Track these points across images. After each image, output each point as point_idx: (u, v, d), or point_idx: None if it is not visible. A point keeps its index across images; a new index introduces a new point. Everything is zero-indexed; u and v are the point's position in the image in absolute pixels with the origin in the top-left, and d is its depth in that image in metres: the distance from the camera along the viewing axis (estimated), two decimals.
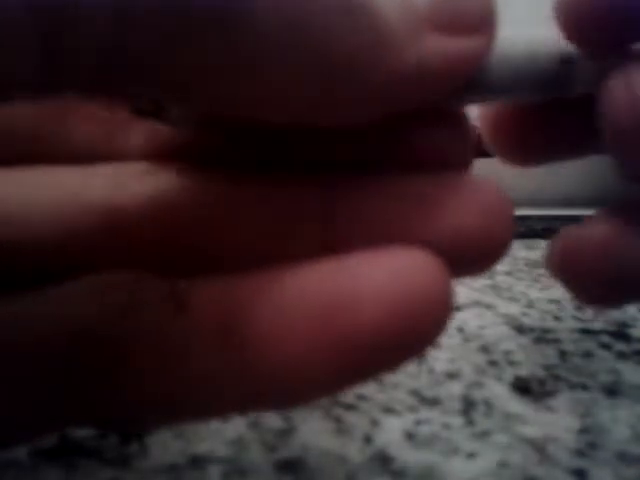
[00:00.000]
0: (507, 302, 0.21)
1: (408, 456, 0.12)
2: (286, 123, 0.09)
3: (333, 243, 0.09)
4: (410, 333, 0.08)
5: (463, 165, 0.10)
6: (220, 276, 0.09)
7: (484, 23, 0.10)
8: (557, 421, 0.13)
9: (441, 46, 0.09)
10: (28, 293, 0.10)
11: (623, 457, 0.12)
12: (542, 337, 0.18)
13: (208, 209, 0.10)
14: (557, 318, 0.19)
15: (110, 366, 0.09)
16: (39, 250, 0.10)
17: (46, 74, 0.07)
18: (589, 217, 0.12)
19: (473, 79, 0.11)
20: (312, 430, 0.13)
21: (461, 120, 0.10)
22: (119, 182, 0.11)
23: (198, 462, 0.12)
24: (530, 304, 0.20)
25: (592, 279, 0.12)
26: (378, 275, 0.08)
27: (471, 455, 0.12)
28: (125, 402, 0.09)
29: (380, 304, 0.08)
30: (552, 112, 0.13)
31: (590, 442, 0.13)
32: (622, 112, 0.11)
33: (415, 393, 0.15)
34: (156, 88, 0.08)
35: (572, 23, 0.11)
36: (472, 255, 0.10)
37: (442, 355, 0.17)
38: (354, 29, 0.08)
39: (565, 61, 0.11)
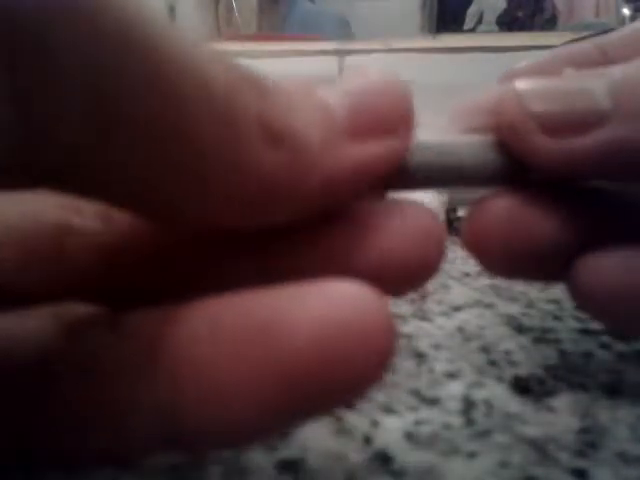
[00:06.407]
0: (507, 302, 0.21)
1: (408, 456, 0.12)
2: (221, 225, 0.09)
3: (268, 275, 0.10)
4: (349, 363, 0.08)
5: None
6: (158, 306, 0.09)
7: (400, 124, 0.10)
8: (557, 421, 0.13)
9: (357, 153, 0.09)
10: None
11: (623, 457, 0.12)
12: (542, 337, 0.18)
13: (151, 246, 0.11)
14: (557, 318, 0.19)
15: (42, 391, 0.09)
16: None
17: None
18: (495, 193, 0.13)
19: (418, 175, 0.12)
20: (312, 430, 0.13)
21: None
22: (78, 205, 0.11)
23: (198, 462, 0.12)
24: (530, 304, 0.20)
25: (492, 247, 0.13)
26: (312, 303, 0.08)
27: (471, 455, 0.12)
28: (50, 429, 0.09)
29: (314, 331, 0.08)
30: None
31: (590, 442, 0.13)
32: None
33: (415, 393, 0.15)
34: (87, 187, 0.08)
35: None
36: (404, 276, 0.10)
37: (442, 355, 0.17)
38: (277, 151, 0.08)
39: (492, 164, 0.12)
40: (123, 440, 0.09)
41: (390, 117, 0.10)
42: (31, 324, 0.10)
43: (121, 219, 0.11)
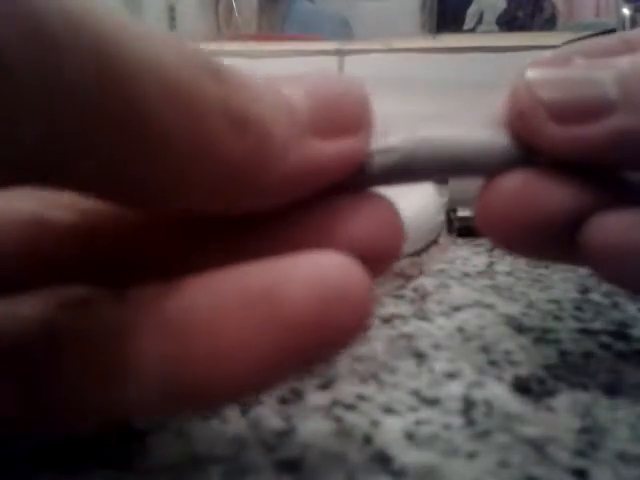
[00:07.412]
0: (507, 302, 0.21)
1: (408, 456, 0.12)
2: (190, 210, 0.10)
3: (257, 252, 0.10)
4: (339, 319, 0.09)
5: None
6: (155, 281, 0.10)
7: (360, 125, 0.11)
8: (557, 421, 0.13)
9: (319, 150, 0.10)
10: None
11: (623, 457, 0.12)
12: (542, 337, 0.18)
13: (126, 234, 0.11)
14: (557, 318, 0.19)
15: (47, 362, 0.10)
16: None
17: None
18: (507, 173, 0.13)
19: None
20: (312, 430, 0.13)
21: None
22: (51, 198, 0.11)
23: (198, 462, 0.12)
24: (530, 304, 0.20)
25: (506, 224, 0.13)
26: (306, 270, 0.09)
27: (471, 455, 0.12)
28: (55, 395, 0.10)
29: (309, 293, 0.09)
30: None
31: (590, 442, 0.13)
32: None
33: (415, 393, 0.15)
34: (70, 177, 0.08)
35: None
36: (372, 258, 0.11)
37: (442, 355, 0.17)
38: (242, 138, 0.09)
39: (496, 155, 0.12)
40: (124, 398, 0.10)
41: (350, 118, 0.11)
42: (34, 303, 0.10)
43: (94, 210, 0.11)
